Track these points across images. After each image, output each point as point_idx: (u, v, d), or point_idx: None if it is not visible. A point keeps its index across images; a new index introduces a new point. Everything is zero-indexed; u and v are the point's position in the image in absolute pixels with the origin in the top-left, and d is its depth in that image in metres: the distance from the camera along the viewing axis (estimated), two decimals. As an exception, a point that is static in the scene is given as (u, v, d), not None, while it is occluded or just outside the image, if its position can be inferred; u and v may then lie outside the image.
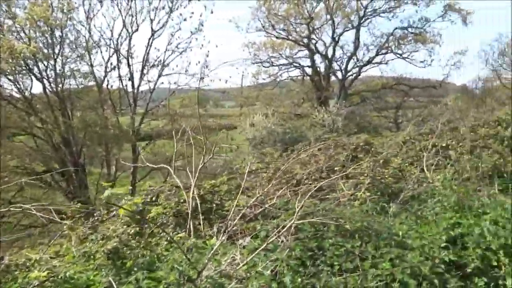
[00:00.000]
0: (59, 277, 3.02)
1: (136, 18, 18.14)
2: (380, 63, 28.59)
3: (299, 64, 29.46)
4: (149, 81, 18.87)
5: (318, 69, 28.91)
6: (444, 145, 7.24)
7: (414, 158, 6.98)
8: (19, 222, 12.99)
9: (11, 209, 4.39)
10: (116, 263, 3.22)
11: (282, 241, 3.44)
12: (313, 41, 28.09)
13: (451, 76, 30.80)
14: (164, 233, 3.87)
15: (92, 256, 3.48)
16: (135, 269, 3.14)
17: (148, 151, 18.56)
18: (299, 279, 2.98)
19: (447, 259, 3.25)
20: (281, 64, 29.28)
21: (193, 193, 4.46)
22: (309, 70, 29.32)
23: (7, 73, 14.81)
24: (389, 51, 28.12)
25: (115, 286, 2.88)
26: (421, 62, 27.53)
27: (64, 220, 4.76)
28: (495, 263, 3.33)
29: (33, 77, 15.74)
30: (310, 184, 5.22)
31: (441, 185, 5.33)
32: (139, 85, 18.82)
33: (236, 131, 22.04)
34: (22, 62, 14.76)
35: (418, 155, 7.06)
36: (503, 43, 32.31)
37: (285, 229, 3.45)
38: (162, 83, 19.10)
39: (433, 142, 7.30)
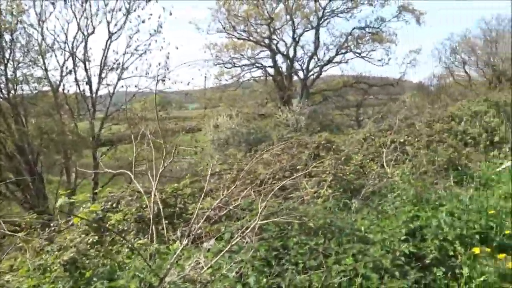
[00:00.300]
0: (12, 292, 2.85)
1: (91, 21, 17.52)
2: (340, 62, 29.31)
3: (261, 65, 29.65)
4: (108, 85, 18.32)
5: (280, 69, 29.21)
6: (402, 140, 7.49)
7: (374, 154, 7.17)
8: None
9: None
10: (74, 274, 3.08)
11: (246, 242, 3.42)
12: (274, 42, 28.37)
13: (407, 74, 32.13)
14: (125, 241, 3.75)
15: (48, 268, 3.31)
16: (95, 279, 3.01)
17: (110, 157, 18.00)
18: (264, 279, 2.96)
19: (407, 251, 3.34)
20: (243, 65, 29.35)
21: (154, 197, 4.35)
22: (271, 70, 29.60)
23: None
24: (348, 51, 28.87)
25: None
26: (379, 60, 28.52)
27: (19, 232, 4.52)
28: (452, 253, 3.46)
29: (-19, 83, 14.92)
30: (274, 183, 5.23)
31: (400, 179, 5.51)
32: (97, 89, 18.24)
33: (200, 133, 21.80)
34: (-31, 67, 13.97)
35: (378, 151, 7.26)
36: (455, 41, 34.04)
37: (249, 229, 3.42)
38: (122, 86, 18.62)
39: (391, 138, 7.54)
